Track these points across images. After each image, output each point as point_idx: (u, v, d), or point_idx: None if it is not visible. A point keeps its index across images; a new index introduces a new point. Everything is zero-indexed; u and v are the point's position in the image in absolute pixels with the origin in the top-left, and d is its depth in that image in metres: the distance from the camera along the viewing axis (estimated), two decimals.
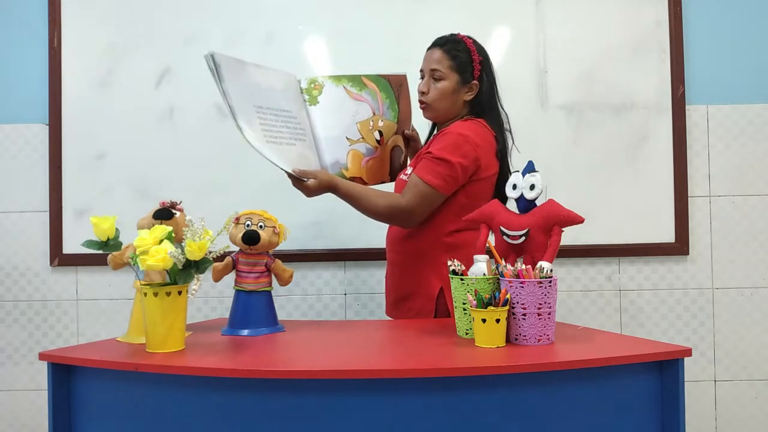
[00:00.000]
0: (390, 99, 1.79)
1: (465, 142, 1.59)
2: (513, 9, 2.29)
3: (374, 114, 1.75)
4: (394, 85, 1.79)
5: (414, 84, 1.77)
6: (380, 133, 1.75)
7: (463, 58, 1.67)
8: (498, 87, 1.73)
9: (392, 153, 1.80)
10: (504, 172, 1.67)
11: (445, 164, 1.57)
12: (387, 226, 1.75)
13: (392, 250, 1.75)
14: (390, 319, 1.77)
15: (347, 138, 1.71)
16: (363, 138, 1.72)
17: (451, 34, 1.71)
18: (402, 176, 1.73)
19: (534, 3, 2.29)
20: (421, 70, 1.73)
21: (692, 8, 2.29)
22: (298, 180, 1.56)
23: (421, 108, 1.72)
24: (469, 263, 1.34)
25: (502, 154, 1.67)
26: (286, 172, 1.54)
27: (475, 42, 1.71)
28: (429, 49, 1.72)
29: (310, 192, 1.57)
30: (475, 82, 1.68)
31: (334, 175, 1.62)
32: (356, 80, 1.76)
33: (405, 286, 1.69)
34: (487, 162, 1.62)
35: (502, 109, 1.73)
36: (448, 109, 1.70)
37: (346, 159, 1.71)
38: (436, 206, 1.62)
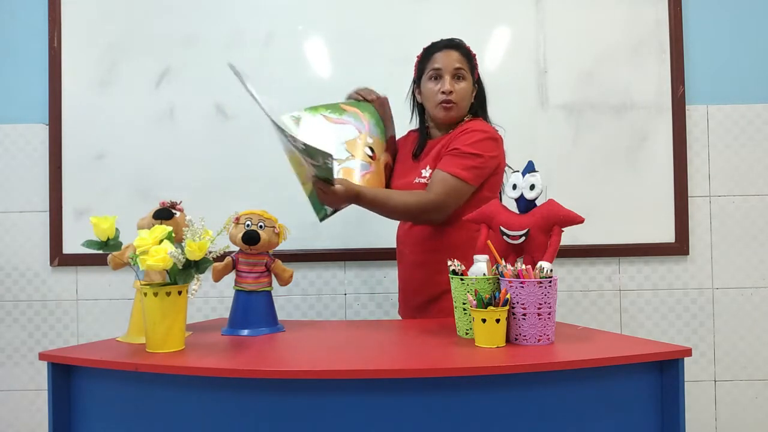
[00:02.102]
0: (375, 118, 1.78)
1: (490, 138, 1.65)
2: (513, 9, 2.29)
3: (360, 133, 1.72)
4: (378, 107, 1.79)
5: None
6: (371, 149, 1.72)
7: (472, 62, 1.74)
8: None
9: (386, 171, 1.78)
10: None
11: (474, 157, 1.61)
12: (392, 226, 1.74)
13: (415, 251, 1.72)
14: (389, 318, 1.77)
15: (335, 159, 1.58)
16: (353, 156, 1.69)
17: (455, 39, 1.74)
18: (416, 180, 1.68)
19: (534, 3, 2.29)
20: (437, 69, 1.68)
21: (692, 8, 2.29)
22: (325, 186, 1.49)
23: (445, 108, 1.68)
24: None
25: None
26: (316, 175, 1.48)
27: None
28: (442, 49, 1.70)
29: (338, 198, 1.52)
30: (476, 84, 1.75)
31: (357, 184, 1.58)
32: (334, 107, 1.75)
33: (437, 286, 1.64)
34: (503, 156, 1.70)
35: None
36: (467, 108, 1.74)
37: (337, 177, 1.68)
38: (465, 199, 1.62)
